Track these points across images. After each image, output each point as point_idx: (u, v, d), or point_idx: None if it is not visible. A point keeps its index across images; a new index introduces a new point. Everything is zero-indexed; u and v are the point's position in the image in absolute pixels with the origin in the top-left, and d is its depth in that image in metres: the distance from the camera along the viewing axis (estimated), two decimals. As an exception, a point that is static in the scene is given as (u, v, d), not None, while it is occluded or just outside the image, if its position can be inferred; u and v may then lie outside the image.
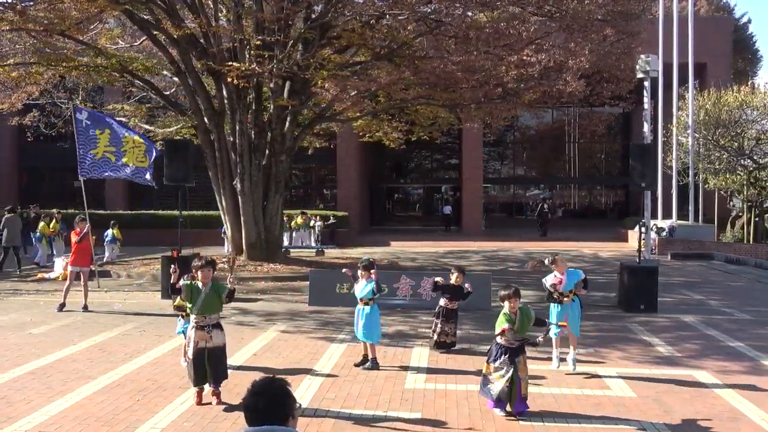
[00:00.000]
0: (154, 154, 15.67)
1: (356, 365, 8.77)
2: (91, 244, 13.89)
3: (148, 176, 15.62)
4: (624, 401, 7.41)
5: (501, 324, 7.06)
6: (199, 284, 7.37)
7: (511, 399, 6.88)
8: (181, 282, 7.42)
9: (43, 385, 7.87)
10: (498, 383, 6.90)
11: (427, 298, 13.19)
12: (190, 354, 7.30)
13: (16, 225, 19.61)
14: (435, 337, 9.68)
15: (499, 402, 6.91)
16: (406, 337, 10.70)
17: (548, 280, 8.85)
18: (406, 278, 13.44)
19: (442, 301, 9.78)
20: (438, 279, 10.01)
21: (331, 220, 29.53)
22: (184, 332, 8.70)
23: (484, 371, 7.14)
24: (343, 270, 9.62)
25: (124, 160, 15.42)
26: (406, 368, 8.74)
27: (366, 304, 8.83)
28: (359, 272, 8.99)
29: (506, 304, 7.16)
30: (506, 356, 6.95)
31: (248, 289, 15.84)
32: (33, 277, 17.82)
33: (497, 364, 6.97)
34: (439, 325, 9.63)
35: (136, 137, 15.72)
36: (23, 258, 20.51)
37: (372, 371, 8.56)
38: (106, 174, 15.77)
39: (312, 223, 28.54)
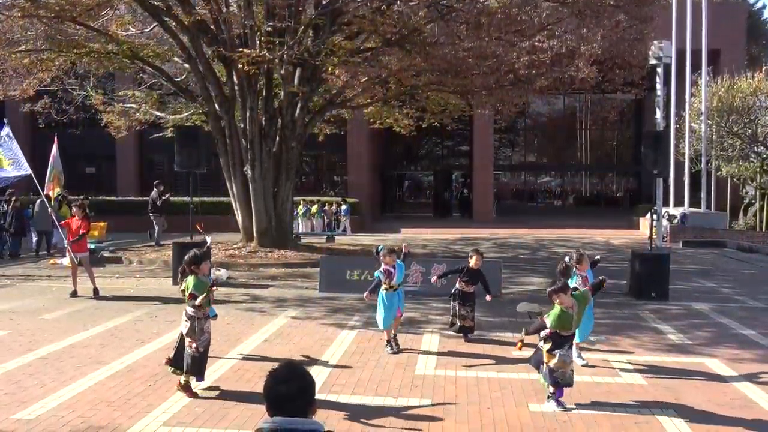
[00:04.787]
0: None
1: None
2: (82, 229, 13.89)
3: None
4: (635, 389, 7.38)
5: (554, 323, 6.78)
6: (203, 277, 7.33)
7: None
8: (191, 283, 7.28)
9: (55, 370, 7.92)
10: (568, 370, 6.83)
11: (438, 284, 13.16)
12: (202, 347, 7.09)
13: (44, 209, 19.81)
14: (452, 320, 9.64)
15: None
16: (417, 323, 10.70)
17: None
18: (416, 265, 13.42)
19: (458, 284, 9.62)
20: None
21: (326, 207, 29.61)
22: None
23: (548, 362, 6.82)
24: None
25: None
26: (416, 355, 8.75)
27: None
28: (388, 258, 8.90)
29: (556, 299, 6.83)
30: (568, 344, 6.87)
31: (259, 275, 15.88)
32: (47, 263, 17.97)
33: (569, 352, 6.88)
34: (455, 308, 9.56)
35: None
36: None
37: (381, 358, 8.57)
38: None
39: (315, 208, 28.84)
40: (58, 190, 20.57)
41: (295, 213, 26.51)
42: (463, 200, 42.19)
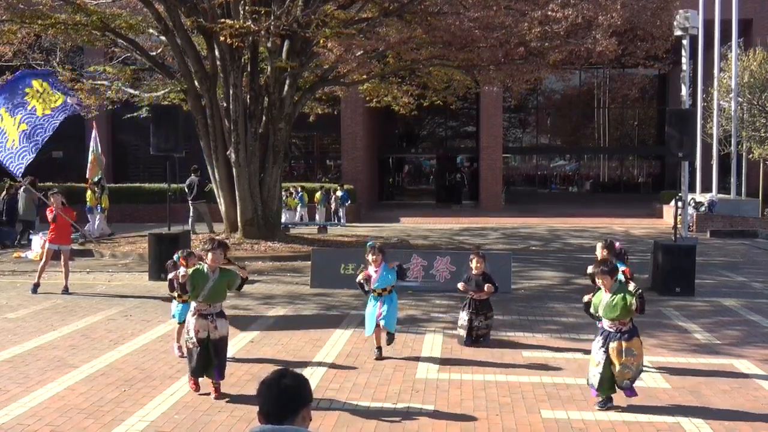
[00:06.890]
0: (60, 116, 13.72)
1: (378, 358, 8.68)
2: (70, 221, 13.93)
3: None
4: (657, 393, 7.41)
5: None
6: (205, 268, 7.26)
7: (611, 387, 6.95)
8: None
9: (20, 375, 7.93)
10: (592, 369, 7.00)
11: (441, 279, 13.22)
12: (190, 343, 7.24)
13: (28, 197, 20.17)
14: (463, 333, 9.30)
15: (599, 390, 6.96)
16: (418, 322, 10.72)
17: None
18: (418, 258, 13.44)
19: (469, 292, 9.37)
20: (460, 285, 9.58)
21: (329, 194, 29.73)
22: (176, 316, 8.74)
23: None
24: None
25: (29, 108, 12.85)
26: (417, 357, 8.78)
27: (389, 291, 8.74)
28: (371, 257, 8.65)
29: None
30: (600, 337, 7.02)
31: (244, 269, 15.86)
32: (12, 256, 17.97)
33: (593, 345, 7.13)
34: (465, 319, 9.24)
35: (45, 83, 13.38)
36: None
37: (379, 360, 8.58)
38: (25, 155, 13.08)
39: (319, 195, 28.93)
40: (99, 173, 21.14)
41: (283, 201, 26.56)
42: (456, 186, 42.21)
